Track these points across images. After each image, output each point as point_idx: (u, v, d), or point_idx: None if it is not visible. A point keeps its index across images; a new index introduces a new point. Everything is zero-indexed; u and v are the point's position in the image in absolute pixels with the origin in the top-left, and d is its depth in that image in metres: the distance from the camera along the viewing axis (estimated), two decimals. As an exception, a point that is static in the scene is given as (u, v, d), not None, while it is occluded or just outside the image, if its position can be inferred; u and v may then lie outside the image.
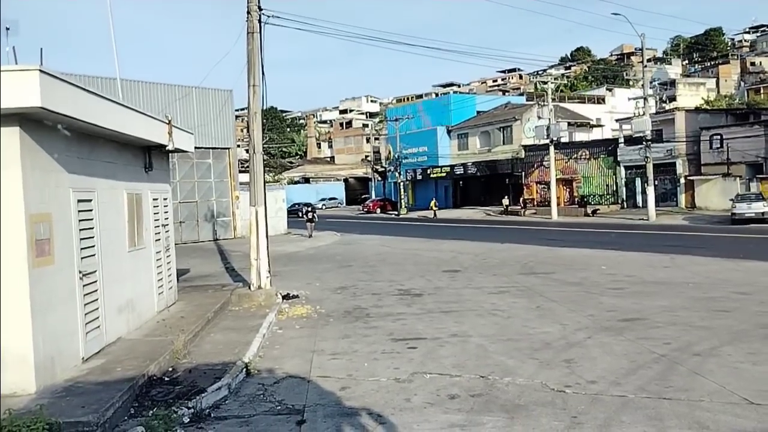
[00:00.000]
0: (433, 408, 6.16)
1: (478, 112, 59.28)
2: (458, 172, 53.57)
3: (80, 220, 7.50)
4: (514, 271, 16.50)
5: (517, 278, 15.14)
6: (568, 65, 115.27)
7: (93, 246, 7.86)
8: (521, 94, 77.16)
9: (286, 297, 13.27)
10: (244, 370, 7.59)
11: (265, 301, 12.63)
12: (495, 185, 51.93)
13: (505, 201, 46.18)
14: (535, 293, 12.98)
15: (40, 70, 5.82)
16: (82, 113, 6.87)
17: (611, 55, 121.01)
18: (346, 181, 79.96)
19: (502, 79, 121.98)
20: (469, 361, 7.95)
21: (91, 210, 7.85)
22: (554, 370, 7.36)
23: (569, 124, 52.01)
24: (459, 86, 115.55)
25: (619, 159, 42.85)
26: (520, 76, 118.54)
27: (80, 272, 7.42)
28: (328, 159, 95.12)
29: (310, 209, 31.75)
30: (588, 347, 8.45)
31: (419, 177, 57.59)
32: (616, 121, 49.85)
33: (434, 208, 48.12)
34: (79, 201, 7.48)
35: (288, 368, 7.87)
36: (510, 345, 8.71)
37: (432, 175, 56.30)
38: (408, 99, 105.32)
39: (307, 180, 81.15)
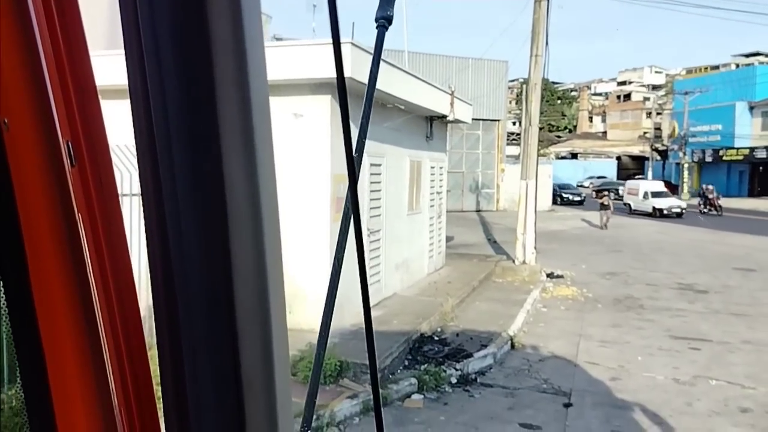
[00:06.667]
0: (720, 419, 5.49)
1: (792, 86, 49.98)
2: (759, 156, 46.06)
3: (371, 183, 8.23)
4: (831, 277, 13.70)
5: (834, 286, 12.56)
6: None
7: (379, 207, 8.60)
8: None
9: (550, 275, 12.97)
10: (509, 342, 7.63)
11: (528, 276, 12.51)
12: (807, 173, 43.63)
13: None
14: None
15: (352, 44, 6.43)
16: (381, 83, 7.46)
17: None
18: (618, 158, 74.60)
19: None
20: (766, 373, 6.87)
21: (380, 174, 8.56)
22: None
23: None
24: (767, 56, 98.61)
25: None
26: None
27: (368, 229, 8.16)
28: (600, 134, 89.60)
29: (605, 192, 25.53)
30: None
31: (708, 159, 50.88)
32: None
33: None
34: (371, 165, 8.20)
35: (553, 348, 7.70)
36: (823, 365, 7.30)
37: (725, 158, 49.31)
38: (700, 70, 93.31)
39: (574, 156, 77.72)
